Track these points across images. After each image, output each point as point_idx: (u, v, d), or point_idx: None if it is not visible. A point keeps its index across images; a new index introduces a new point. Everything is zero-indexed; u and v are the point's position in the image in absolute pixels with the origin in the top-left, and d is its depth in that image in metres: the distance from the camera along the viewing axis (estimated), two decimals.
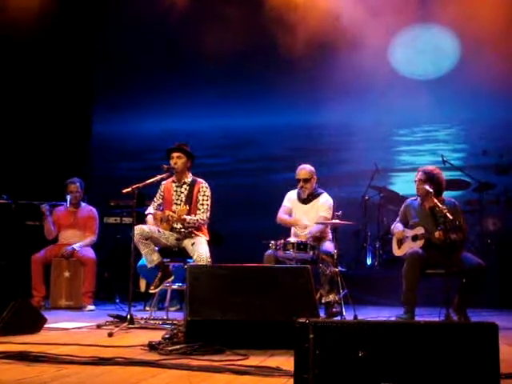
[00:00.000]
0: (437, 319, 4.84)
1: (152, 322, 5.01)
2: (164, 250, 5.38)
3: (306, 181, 5.84)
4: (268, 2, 8.22)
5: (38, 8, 7.85)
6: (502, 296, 6.77)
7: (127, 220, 7.15)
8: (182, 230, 5.40)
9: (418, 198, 5.51)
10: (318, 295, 5.15)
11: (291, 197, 6.00)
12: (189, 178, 5.61)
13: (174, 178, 5.59)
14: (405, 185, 8.40)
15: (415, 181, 5.46)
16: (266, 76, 8.76)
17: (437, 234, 5.11)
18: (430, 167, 5.55)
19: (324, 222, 5.64)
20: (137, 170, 8.85)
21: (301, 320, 2.40)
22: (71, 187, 6.75)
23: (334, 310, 5.21)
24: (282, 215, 5.93)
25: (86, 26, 9.10)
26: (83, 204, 6.91)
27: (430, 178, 5.36)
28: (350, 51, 7.91)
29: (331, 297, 5.25)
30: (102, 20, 9.44)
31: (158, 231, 5.36)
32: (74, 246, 6.58)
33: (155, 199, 5.67)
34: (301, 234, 5.67)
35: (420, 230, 5.31)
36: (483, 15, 7.58)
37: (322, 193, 5.90)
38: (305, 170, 5.86)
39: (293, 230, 5.89)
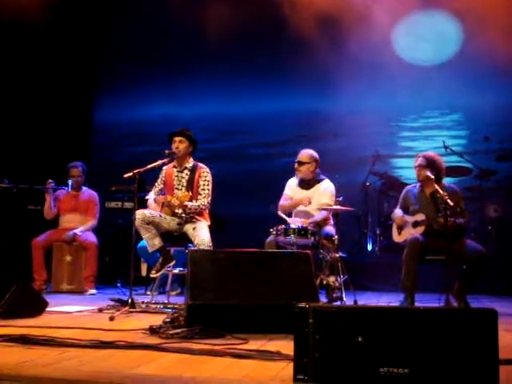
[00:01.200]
0: (437, 305, 4.85)
1: (153, 306, 5.02)
2: (165, 235, 5.39)
3: (301, 163, 5.82)
4: None
5: None
6: (502, 282, 6.79)
7: (128, 205, 7.15)
8: (183, 215, 5.40)
9: (418, 184, 5.50)
10: (319, 280, 5.16)
11: (292, 184, 5.97)
12: (190, 162, 5.60)
13: (175, 163, 5.58)
14: (406, 171, 8.39)
15: (415, 166, 5.46)
16: (269, 62, 8.71)
17: (440, 220, 5.05)
18: (431, 153, 5.54)
19: (326, 208, 5.63)
20: (138, 155, 8.81)
21: (301, 305, 2.41)
22: (73, 171, 6.75)
23: (334, 295, 5.22)
24: (283, 202, 5.89)
25: (89, 12, 9.04)
26: (84, 188, 6.91)
27: (430, 163, 5.35)
28: (355, 35, 7.79)
29: (331, 281, 5.26)
30: (105, 4, 9.39)
31: (160, 216, 5.36)
32: (75, 230, 6.60)
33: (156, 184, 5.67)
34: (308, 209, 5.66)
35: (421, 217, 5.31)
36: None
37: (323, 179, 5.87)
38: (304, 153, 5.85)
39: (294, 212, 5.86)
